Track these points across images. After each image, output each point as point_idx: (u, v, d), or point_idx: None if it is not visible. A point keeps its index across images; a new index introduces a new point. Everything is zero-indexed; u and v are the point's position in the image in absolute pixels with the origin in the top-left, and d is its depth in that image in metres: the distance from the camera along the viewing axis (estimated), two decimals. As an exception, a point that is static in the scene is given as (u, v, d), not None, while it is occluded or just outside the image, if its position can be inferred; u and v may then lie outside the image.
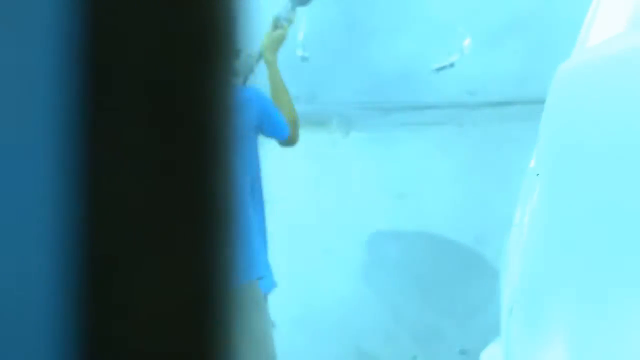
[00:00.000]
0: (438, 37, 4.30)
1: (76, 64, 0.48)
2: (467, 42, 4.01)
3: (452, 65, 3.99)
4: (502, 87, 4.46)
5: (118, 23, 0.49)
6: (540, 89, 2.20)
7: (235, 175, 0.51)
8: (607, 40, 1.54)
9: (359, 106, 4.09)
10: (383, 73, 4.24)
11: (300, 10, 3.84)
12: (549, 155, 1.80)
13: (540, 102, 1.97)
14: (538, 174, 1.92)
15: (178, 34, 0.50)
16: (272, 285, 3.55)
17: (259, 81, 3.65)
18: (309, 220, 4.31)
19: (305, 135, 4.32)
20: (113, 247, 0.50)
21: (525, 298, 1.84)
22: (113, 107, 0.50)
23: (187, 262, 0.52)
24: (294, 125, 3.65)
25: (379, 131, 4.47)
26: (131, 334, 0.51)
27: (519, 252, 2.09)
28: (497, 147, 4.33)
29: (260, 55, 3.57)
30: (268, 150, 3.68)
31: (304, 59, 3.91)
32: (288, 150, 3.96)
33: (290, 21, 3.65)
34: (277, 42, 3.59)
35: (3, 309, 0.50)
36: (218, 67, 0.51)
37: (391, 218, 4.54)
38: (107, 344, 0.49)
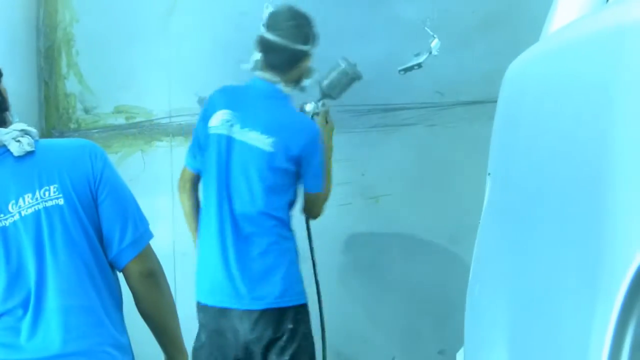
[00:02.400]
0: (407, 38, 4.34)
1: None
2: (435, 43, 4.04)
3: (420, 66, 4.03)
4: (471, 87, 4.52)
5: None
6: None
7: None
8: (557, 31, 1.57)
9: (331, 110, 4.11)
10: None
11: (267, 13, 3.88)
12: (494, 153, 1.84)
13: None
14: (489, 173, 1.94)
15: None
16: None
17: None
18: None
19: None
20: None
21: (469, 297, 1.88)
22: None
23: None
24: (324, 199, 3.86)
25: (351, 134, 4.52)
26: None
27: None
28: (468, 146, 4.38)
29: None
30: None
31: None
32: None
33: (320, 112, 3.93)
34: (326, 133, 3.89)
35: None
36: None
37: (366, 220, 4.58)
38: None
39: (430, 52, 4.06)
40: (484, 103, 4.25)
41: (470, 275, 1.89)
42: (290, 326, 3.65)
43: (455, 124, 4.59)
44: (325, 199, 3.84)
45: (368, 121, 4.55)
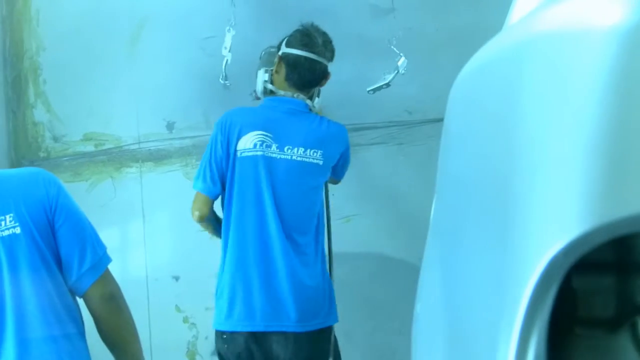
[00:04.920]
0: (374, 58, 4.38)
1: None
2: (401, 61, 4.09)
3: (388, 85, 4.07)
4: (439, 105, 4.51)
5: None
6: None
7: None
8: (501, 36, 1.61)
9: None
10: (321, 97, 4.31)
11: (229, 37, 3.92)
12: (439, 171, 1.89)
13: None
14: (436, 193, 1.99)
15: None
16: None
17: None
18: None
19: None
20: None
21: (414, 318, 1.92)
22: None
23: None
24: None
25: (320, 154, 4.54)
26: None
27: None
28: (437, 163, 4.42)
29: None
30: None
31: (225, 87, 3.98)
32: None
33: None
34: None
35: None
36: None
37: (338, 240, 4.60)
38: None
39: (398, 71, 4.11)
40: (452, 120, 4.29)
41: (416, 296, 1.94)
42: (329, 346, 3.69)
43: (423, 141, 4.64)
44: None
45: (337, 141, 4.60)
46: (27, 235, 2.51)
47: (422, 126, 4.64)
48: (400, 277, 4.66)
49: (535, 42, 1.29)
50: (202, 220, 3.68)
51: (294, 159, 3.63)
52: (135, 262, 4.60)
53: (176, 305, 4.59)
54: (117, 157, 4.71)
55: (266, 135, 3.62)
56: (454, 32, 4.63)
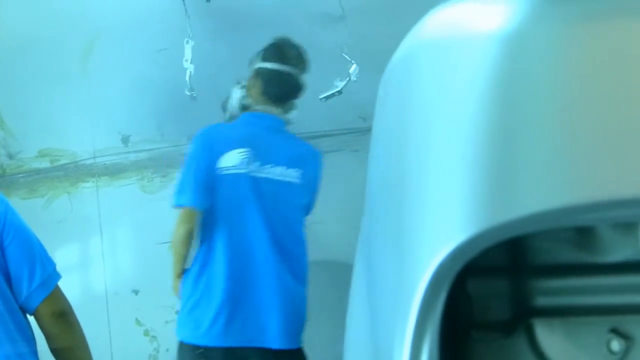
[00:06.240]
0: (324, 66, 4.41)
1: None
2: (353, 68, 4.11)
3: (340, 92, 4.10)
4: (392, 110, 4.58)
5: None
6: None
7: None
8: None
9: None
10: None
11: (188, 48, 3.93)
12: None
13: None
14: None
15: None
16: None
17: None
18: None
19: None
20: None
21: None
22: None
23: None
24: None
25: (276, 164, 4.56)
26: None
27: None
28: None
29: None
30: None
31: (192, 98, 3.99)
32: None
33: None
34: None
35: None
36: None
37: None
38: None
39: (350, 78, 4.13)
40: (405, 125, 4.31)
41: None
42: None
43: (379, 148, 4.65)
44: None
45: (292, 150, 4.61)
46: None
47: (377, 132, 4.65)
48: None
49: (423, 46, 1.32)
50: (188, 236, 3.55)
51: (273, 178, 3.63)
52: (95, 277, 4.61)
53: (136, 319, 4.60)
54: (72, 173, 4.73)
55: (249, 153, 3.61)
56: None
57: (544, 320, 1.33)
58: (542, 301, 1.34)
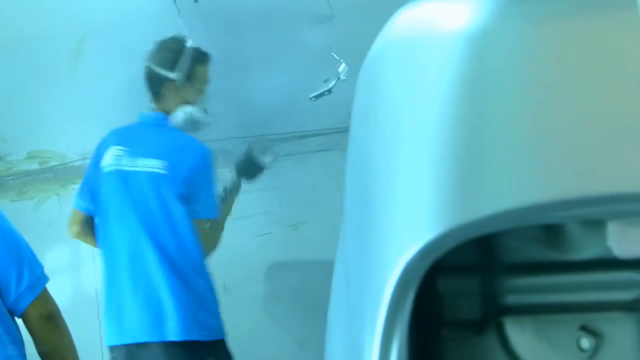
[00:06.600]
0: (314, 65, 4.41)
1: None
2: (342, 67, 4.11)
3: (330, 91, 4.10)
4: (382, 109, 4.58)
5: None
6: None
7: None
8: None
9: (243, 141, 4.19)
10: (263, 106, 4.35)
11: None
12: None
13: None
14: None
15: None
16: None
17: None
18: (204, 259, 4.37)
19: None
20: None
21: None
22: None
23: None
24: (218, 230, 3.83)
25: (265, 163, 4.56)
26: None
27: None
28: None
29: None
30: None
31: None
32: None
33: (233, 192, 4.00)
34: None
35: None
36: None
37: (286, 249, 4.62)
38: None
39: (339, 77, 4.13)
40: (395, 124, 4.31)
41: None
42: None
43: (368, 146, 4.66)
44: (219, 230, 3.83)
45: (282, 150, 4.62)
46: None
47: (367, 131, 4.65)
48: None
49: (391, 45, 1.33)
50: (78, 237, 3.83)
51: (138, 170, 3.67)
52: (85, 278, 4.60)
53: (127, 320, 4.60)
54: (62, 174, 4.72)
55: (123, 149, 3.72)
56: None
57: (514, 319, 1.34)
58: (512, 299, 1.34)
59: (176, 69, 3.78)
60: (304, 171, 4.65)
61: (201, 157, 3.72)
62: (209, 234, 3.74)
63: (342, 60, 4.15)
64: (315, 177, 4.67)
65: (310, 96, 4.17)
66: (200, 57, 3.86)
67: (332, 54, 4.20)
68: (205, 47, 4.05)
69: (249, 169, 4.02)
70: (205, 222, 3.71)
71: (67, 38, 4.70)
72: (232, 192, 4.00)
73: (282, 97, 4.30)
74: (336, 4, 4.47)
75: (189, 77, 3.79)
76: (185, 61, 3.79)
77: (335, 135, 4.67)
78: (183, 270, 3.62)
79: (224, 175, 4.01)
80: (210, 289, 3.69)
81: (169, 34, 4.01)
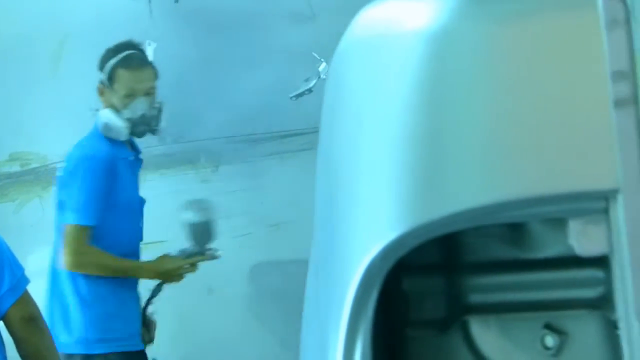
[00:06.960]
0: (294, 64, 4.41)
1: None
2: (323, 66, 4.12)
3: (310, 91, 4.11)
4: (363, 108, 4.58)
5: None
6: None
7: None
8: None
9: (226, 140, 4.20)
10: (245, 106, 4.35)
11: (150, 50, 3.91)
12: None
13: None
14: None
15: None
16: None
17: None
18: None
19: (175, 175, 4.41)
20: None
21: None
22: None
23: None
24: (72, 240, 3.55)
25: (247, 163, 4.57)
26: None
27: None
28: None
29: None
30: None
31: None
32: (162, 191, 4.04)
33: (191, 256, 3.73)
34: (170, 273, 3.68)
35: None
36: None
37: (268, 249, 4.62)
38: None
39: (319, 76, 4.13)
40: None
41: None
42: None
43: (350, 145, 4.66)
44: (72, 241, 3.53)
45: (264, 149, 4.62)
46: None
47: (348, 130, 4.66)
48: (334, 282, 4.68)
49: (354, 44, 1.33)
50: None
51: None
52: (67, 281, 4.60)
53: (111, 322, 4.59)
54: (43, 176, 4.71)
55: None
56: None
57: (479, 317, 1.34)
58: (476, 298, 1.35)
59: (103, 70, 3.73)
60: (285, 170, 4.64)
61: (67, 160, 3.67)
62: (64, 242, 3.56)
63: (322, 60, 4.16)
64: (297, 177, 4.66)
65: (291, 95, 4.18)
66: (125, 61, 3.68)
67: (313, 53, 4.20)
68: (184, 48, 4.05)
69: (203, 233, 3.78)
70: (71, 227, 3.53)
71: (48, 40, 4.70)
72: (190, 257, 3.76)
73: (264, 96, 4.30)
74: (318, 4, 4.47)
75: (110, 80, 3.69)
76: (108, 64, 3.70)
77: (316, 135, 4.66)
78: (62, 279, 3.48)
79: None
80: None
81: (148, 36, 4.00)
